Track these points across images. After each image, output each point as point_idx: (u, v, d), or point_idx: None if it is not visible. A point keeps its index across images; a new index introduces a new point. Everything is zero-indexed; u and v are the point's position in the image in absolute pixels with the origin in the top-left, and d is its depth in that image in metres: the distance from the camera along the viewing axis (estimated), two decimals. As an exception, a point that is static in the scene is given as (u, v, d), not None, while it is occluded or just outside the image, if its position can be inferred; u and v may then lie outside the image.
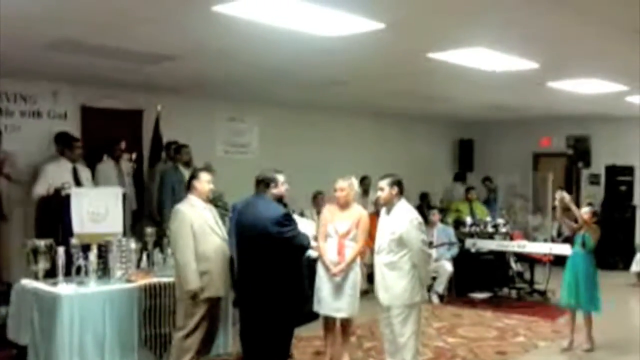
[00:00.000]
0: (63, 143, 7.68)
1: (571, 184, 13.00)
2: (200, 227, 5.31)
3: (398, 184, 5.40)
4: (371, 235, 5.84)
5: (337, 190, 5.95)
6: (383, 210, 5.55)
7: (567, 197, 6.88)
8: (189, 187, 5.55)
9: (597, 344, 6.83)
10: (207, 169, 8.82)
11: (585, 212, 6.79)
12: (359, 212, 5.95)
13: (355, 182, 6.03)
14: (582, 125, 12.65)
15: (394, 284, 5.30)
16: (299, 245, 4.96)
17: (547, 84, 8.48)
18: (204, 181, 5.49)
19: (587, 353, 6.75)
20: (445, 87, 8.93)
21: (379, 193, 5.46)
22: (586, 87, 8.67)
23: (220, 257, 5.39)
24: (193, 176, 5.57)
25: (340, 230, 5.87)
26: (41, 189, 7.05)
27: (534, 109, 11.34)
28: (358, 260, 5.91)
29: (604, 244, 11.72)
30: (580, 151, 12.65)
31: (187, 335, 5.31)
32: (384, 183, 5.39)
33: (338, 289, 5.83)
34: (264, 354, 4.88)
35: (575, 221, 6.85)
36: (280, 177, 5.26)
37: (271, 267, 4.82)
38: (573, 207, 6.84)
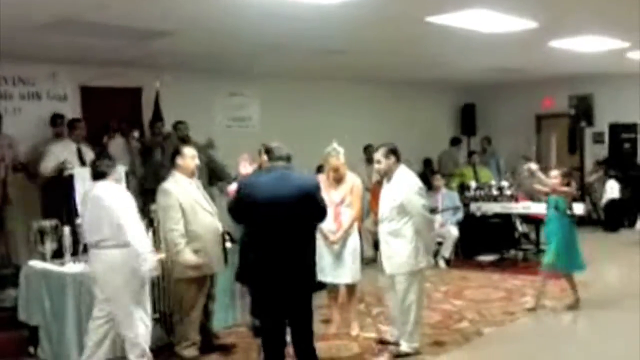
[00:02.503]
0: (67, 125, 7.76)
1: (575, 144, 12.97)
2: (189, 205, 5.27)
3: (393, 152, 5.42)
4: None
5: (331, 171, 5.96)
6: (385, 180, 5.56)
7: (533, 167, 7.01)
8: (173, 163, 5.46)
9: (601, 300, 6.86)
10: (209, 144, 8.90)
11: (554, 175, 6.80)
12: (351, 180, 5.98)
13: (340, 150, 5.97)
14: (584, 85, 12.57)
15: (398, 251, 5.34)
16: (325, 212, 4.90)
17: (548, 44, 8.41)
18: (188, 157, 5.41)
19: (588, 310, 6.80)
20: (445, 51, 8.87)
21: (377, 166, 5.49)
22: (586, 45, 8.61)
23: (212, 234, 5.39)
24: (177, 152, 5.48)
25: (335, 200, 5.88)
26: (50, 164, 7.13)
27: (535, 70, 11.26)
28: (356, 226, 5.92)
29: (610, 202, 11.90)
30: (583, 110, 12.58)
31: (187, 314, 5.36)
32: (379, 155, 5.42)
33: (338, 256, 5.88)
34: (299, 324, 4.84)
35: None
36: None
37: (306, 235, 4.77)
38: (541, 176, 6.90)
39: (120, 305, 4.87)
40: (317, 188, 4.76)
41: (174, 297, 5.54)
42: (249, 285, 5.04)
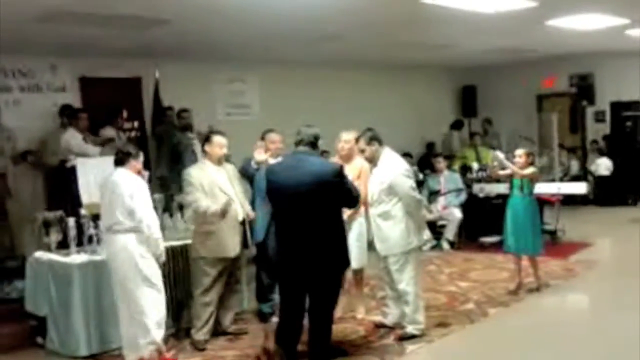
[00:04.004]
0: (68, 115, 7.75)
1: (576, 123, 12.95)
2: (209, 189, 5.43)
3: (374, 138, 5.43)
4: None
5: (342, 142, 5.98)
6: (371, 166, 5.56)
7: (500, 155, 7.14)
8: (203, 149, 5.70)
9: (604, 278, 6.87)
10: (220, 133, 8.91)
11: (519, 154, 6.79)
12: (360, 164, 5.96)
13: (352, 133, 6.01)
14: (584, 63, 12.52)
15: (389, 233, 5.37)
16: (357, 196, 4.99)
17: (547, 23, 8.38)
18: (216, 145, 5.58)
19: (593, 288, 6.79)
20: (443, 33, 8.83)
21: (361, 155, 5.52)
22: (586, 23, 8.57)
23: (229, 219, 5.47)
24: (207, 139, 5.67)
25: None
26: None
27: (535, 49, 11.21)
28: (362, 211, 5.93)
29: (613, 179, 11.92)
30: (584, 89, 12.55)
31: (204, 293, 5.48)
32: (362, 144, 5.45)
33: None
34: (325, 306, 4.94)
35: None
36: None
37: (333, 220, 4.85)
38: (507, 164, 6.92)
39: (131, 289, 4.96)
40: (335, 174, 4.78)
41: (191, 278, 5.68)
42: (274, 265, 5.17)
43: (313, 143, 4.91)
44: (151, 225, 4.94)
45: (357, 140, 5.58)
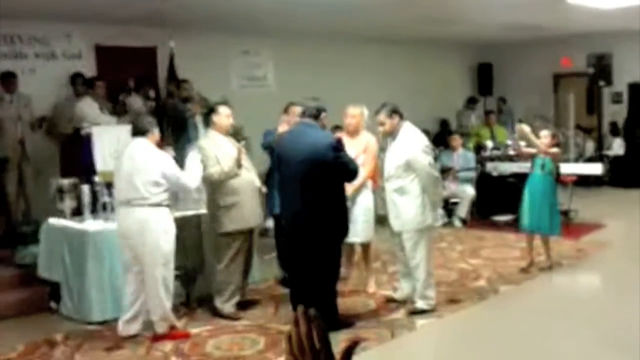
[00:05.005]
0: (85, 83, 7.75)
1: (593, 104, 12.82)
2: (224, 161, 5.35)
3: (395, 111, 5.39)
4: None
5: (348, 117, 5.95)
6: (390, 140, 5.51)
7: (526, 129, 6.90)
8: (208, 121, 5.57)
9: (615, 258, 6.84)
10: (224, 103, 8.89)
11: (544, 135, 6.72)
12: (366, 138, 5.97)
13: (365, 111, 5.99)
14: (602, 43, 12.33)
15: (405, 209, 5.35)
16: (353, 169, 5.03)
17: (566, 0, 8.26)
18: (224, 115, 5.52)
19: (604, 268, 6.77)
20: (461, 8, 8.73)
21: (380, 128, 5.46)
22: (606, 1, 8.44)
23: (249, 190, 5.49)
24: (212, 110, 5.59)
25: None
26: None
27: (553, 28, 11.07)
28: (369, 185, 5.91)
29: (627, 161, 11.83)
30: (601, 69, 12.37)
31: (227, 267, 5.47)
32: (382, 116, 5.38)
33: (350, 215, 5.86)
34: (321, 276, 5.02)
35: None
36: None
37: (327, 192, 4.91)
38: (532, 138, 6.80)
39: (149, 265, 4.89)
40: (330, 147, 4.85)
41: (214, 251, 5.66)
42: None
43: (316, 115, 5.05)
44: (188, 182, 4.98)
45: (376, 113, 5.52)
